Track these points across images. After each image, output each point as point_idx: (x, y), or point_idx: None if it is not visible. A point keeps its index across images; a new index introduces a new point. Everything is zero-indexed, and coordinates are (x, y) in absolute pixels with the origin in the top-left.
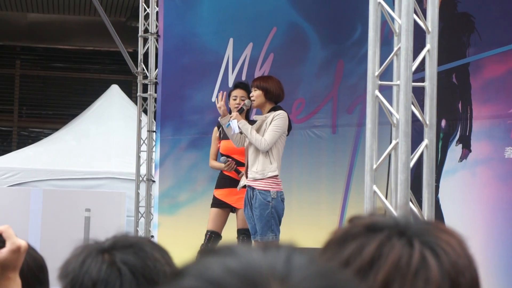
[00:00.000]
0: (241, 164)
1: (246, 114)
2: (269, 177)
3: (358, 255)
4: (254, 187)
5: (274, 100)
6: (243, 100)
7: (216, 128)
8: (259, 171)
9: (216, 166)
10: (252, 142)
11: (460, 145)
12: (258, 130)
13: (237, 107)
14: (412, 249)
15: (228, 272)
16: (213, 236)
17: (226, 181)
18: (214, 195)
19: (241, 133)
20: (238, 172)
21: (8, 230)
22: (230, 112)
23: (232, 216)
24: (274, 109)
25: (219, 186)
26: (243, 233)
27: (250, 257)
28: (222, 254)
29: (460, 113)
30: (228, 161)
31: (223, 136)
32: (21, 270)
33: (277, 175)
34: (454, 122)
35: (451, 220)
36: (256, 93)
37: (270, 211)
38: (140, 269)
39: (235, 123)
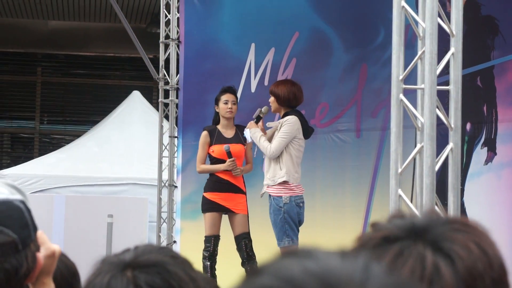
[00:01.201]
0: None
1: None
2: (279, 183)
3: None
4: (270, 194)
5: (287, 105)
6: (234, 105)
7: (205, 132)
8: (270, 178)
9: (209, 169)
10: (261, 150)
11: (486, 148)
12: (272, 137)
13: (229, 111)
14: (425, 259)
15: (307, 274)
16: (217, 240)
17: (224, 185)
18: (207, 198)
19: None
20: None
21: (42, 235)
22: (218, 121)
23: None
24: (286, 114)
25: (214, 189)
26: (244, 237)
27: (329, 261)
28: (301, 256)
29: (485, 116)
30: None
31: (216, 141)
32: (54, 277)
33: (286, 181)
34: (479, 125)
35: None
36: (270, 100)
37: (283, 216)
38: None
39: (247, 133)
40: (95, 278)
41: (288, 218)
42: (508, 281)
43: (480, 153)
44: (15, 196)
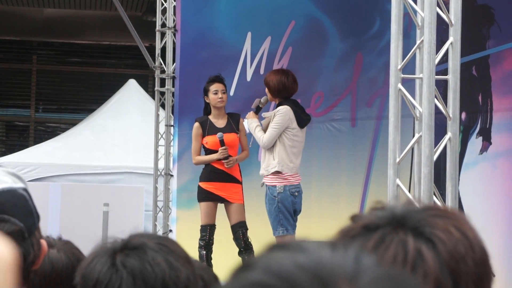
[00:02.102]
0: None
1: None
2: (272, 173)
3: None
4: (266, 183)
5: (278, 95)
6: (224, 93)
7: (197, 124)
8: (264, 168)
9: (204, 160)
10: (256, 140)
11: (481, 138)
12: (267, 127)
13: (220, 101)
14: (407, 244)
15: (299, 268)
16: (213, 229)
17: (219, 175)
18: (202, 188)
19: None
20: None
21: None
22: (209, 111)
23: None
24: (280, 104)
25: (209, 179)
26: (241, 227)
27: (320, 254)
28: (292, 250)
29: (480, 106)
30: (224, 148)
31: (208, 132)
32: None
33: (279, 171)
34: (474, 115)
35: (471, 213)
36: (266, 89)
37: (277, 206)
38: (139, 273)
39: (246, 123)
40: (86, 258)
41: (282, 208)
42: (489, 262)
43: (475, 142)
44: (18, 185)
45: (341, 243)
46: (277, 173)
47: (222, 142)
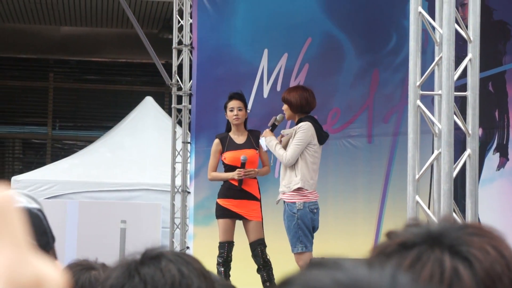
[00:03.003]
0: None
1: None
2: (294, 190)
3: None
4: (284, 200)
5: (300, 111)
6: (240, 111)
7: (217, 140)
8: (285, 185)
9: (220, 177)
10: (277, 158)
11: (498, 154)
12: (287, 144)
13: (235, 118)
14: (444, 263)
15: (336, 285)
16: (231, 246)
17: (237, 192)
18: (220, 205)
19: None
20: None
21: None
22: (230, 128)
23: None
24: (300, 120)
25: (226, 196)
26: (259, 244)
27: (357, 272)
28: (329, 267)
29: (497, 122)
30: (242, 170)
31: (228, 148)
32: None
33: (301, 187)
34: (491, 131)
35: None
36: (284, 107)
37: (296, 222)
38: (150, 278)
39: (263, 141)
40: (108, 272)
41: (302, 224)
42: None
43: (492, 158)
44: (33, 205)
45: (377, 261)
46: (298, 190)
47: (243, 165)
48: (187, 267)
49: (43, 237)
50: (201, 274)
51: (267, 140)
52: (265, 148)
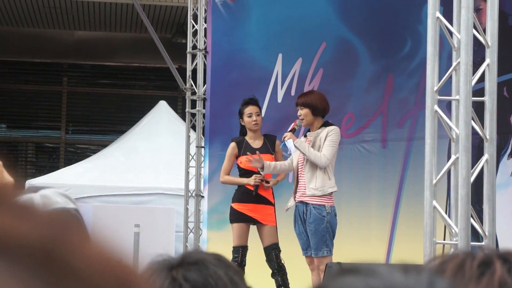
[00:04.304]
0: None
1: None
2: (328, 194)
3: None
4: (308, 202)
5: (322, 114)
6: (258, 116)
7: (233, 144)
8: (318, 188)
9: (233, 181)
10: (311, 159)
11: None
12: (312, 147)
13: (255, 124)
14: None
15: None
16: (245, 250)
17: (251, 196)
18: (235, 209)
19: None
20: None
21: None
22: (245, 132)
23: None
24: (325, 124)
25: (241, 200)
26: (274, 248)
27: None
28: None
29: None
30: (258, 176)
31: (244, 152)
32: None
33: (335, 191)
34: (505, 136)
35: (503, 234)
36: (303, 112)
37: (325, 226)
38: (202, 286)
39: (291, 143)
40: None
41: (330, 228)
42: None
43: (506, 164)
44: (70, 205)
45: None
46: (331, 193)
47: (259, 172)
48: (232, 271)
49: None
50: (242, 277)
51: (297, 142)
52: (293, 150)
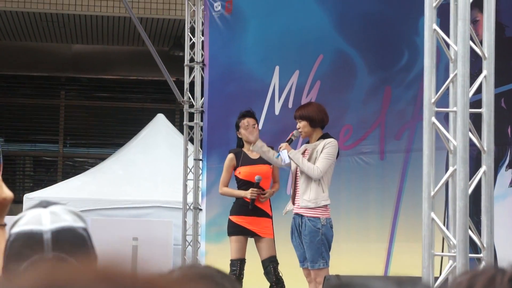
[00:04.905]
0: (262, 188)
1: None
2: (321, 206)
3: None
4: (303, 214)
5: (320, 125)
6: (254, 128)
7: (231, 155)
8: (311, 200)
9: (232, 193)
10: (304, 170)
11: (510, 170)
12: (309, 159)
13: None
14: None
15: None
16: (243, 263)
17: (249, 209)
18: (233, 222)
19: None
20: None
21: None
22: (242, 145)
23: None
24: (323, 136)
25: (239, 212)
26: (272, 261)
27: None
28: None
29: (510, 138)
30: (255, 190)
31: (242, 163)
32: None
33: (329, 204)
34: (503, 147)
35: (501, 246)
36: (302, 124)
37: (320, 238)
38: None
39: (285, 153)
40: None
41: (325, 240)
42: None
43: (504, 175)
44: (78, 224)
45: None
46: (325, 206)
47: (257, 185)
48: (237, 284)
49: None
50: None
51: (291, 153)
52: (287, 161)
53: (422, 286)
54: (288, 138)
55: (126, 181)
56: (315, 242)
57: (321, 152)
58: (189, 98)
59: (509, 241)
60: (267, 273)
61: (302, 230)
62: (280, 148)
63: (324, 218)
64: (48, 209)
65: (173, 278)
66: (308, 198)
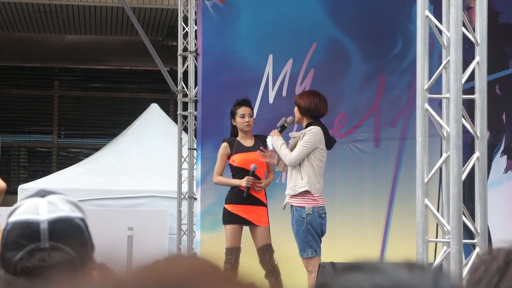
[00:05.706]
0: (257, 177)
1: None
2: (300, 193)
3: None
4: (292, 204)
5: (309, 114)
6: (251, 117)
7: (225, 144)
8: (291, 187)
9: (226, 182)
10: (281, 157)
11: (505, 156)
12: (294, 147)
13: (247, 125)
14: None
15: None
16: (238, 252)
17: (244, 198)
18: (228, 210)
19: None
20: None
21: None
22: (236, 133)
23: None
24: (310, 124)
25: (234, 201)
26: (267, 250)
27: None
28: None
29: (505, 124)
30: (250, 178)
31: (236, 151)
32: None
33: (308, 191)
34: (498, 133)
35: (496, 232)
36: (295, 110)
37: (306, 227)
38: None
39: (269, 140)
40: None
41: (311, 229)
42: None
43: (499, 161)
44: (76, 214)
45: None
46: (305, 193)
47: (253, 173)
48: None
49: (83, 248)
50: None
51: (273, 139)
52: (271, 147)
53: (432, 270)
54: (280, 123)
55: (121, 171)
56: (300, 231)
57: (301, 139)
58: (183, 88)
59: (505, 226)
60: (262, 261)
61: (291, 220)
62: (269, 135)
63: (310, 207)
64: (45, 199)
65: None
66: (290, 186)
